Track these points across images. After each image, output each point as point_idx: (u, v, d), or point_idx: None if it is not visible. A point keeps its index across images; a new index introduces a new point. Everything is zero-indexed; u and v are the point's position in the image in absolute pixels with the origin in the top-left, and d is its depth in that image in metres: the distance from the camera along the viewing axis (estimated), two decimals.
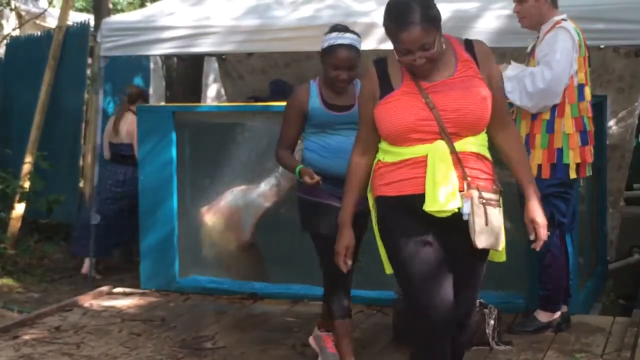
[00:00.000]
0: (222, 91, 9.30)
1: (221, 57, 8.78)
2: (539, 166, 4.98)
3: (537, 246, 3.42)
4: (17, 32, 10.46)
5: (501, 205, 3.34)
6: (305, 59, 8.62)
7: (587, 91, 5.05)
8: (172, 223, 6.43)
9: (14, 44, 9.64)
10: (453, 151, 3.22)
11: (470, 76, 3.27)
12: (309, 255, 6.27)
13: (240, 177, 6.50)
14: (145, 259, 6.52)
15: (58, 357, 4.91)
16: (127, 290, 6.49)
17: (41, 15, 10.73)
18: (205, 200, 6.51)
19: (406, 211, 3.28)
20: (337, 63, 4.36)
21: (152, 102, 9.28)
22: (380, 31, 5.92)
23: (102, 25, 6.73)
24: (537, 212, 3.37)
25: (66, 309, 5.94)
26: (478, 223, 3.22)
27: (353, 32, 4.49)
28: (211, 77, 9.88)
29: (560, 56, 4.89)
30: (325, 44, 4.42)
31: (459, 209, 3.21)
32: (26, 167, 7.98)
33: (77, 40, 8.30)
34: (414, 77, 3.27)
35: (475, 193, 3.22)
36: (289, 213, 6.38)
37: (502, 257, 3.48)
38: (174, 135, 6.39)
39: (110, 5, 9.59)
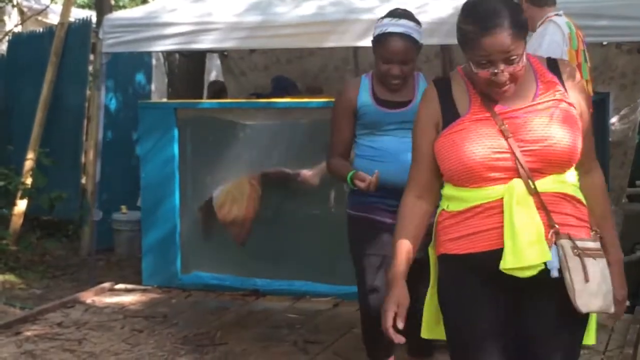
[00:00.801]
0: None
1: (223, 54, 8.78)
2: None
3: (609, 323, 2.81)
4: (19, 29, 10.46)
5: (603, 255, 2.64)
6: (308, 56, 8.62)
7: None
8: (174, 220, 6.43)
9: (16, 41, 9.64)
10: (534, 192, 2.56)
11: (556, 100, 2.64)
12: (311, 252, 6.29)
13: (242, 173, 6.48)
14: (147, 255, 6.52)
15: (60, 354, 4.91)
16: (129, 286, 6.49)
17: (43, 11, 10.72)
18: (207, 197, 6.51)
19: (477, 275, 2.62)
20: (387, 55, 3.71)
21: (154, 98, 9.28)
22: None
23: (104, 22, 6.72)
24: (618, 286, 2.75)
25: (68, 306, 5.94)
26: (576, 280, 2.51)
27: (412, 18, 3.78)
28: (213, 74, 9.88)
29: (547, 48, 4.89)
30: (376, 32, 3.81)
31: (546, 263, 2.53)
32: (28, 164, 7.98)
33: (79, 37, 8.30)
34: (485, 101, 2.65)
35: (566, 242, 2.54)
36: (292, 208, 6.38)
37: (591, 339, 2.77)
38: (176, 132, 6.39)
39: (112, 2, 9.58)
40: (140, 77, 9.15)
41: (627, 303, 2.76)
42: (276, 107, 6.47)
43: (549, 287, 2.55)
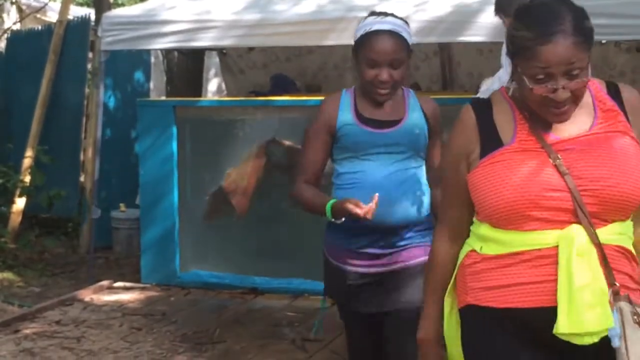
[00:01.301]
0: (223, 86, 9.30)
1: (222, 52, 8.77)
2: None
3: None
4: (17, 26, 10.45)
5: None
6: (307, 54, 8.63)
7: None
8: (173, 217, 6.43)
9: (15, 38, 9.62)
10: (596, 242, 2.14)
11: (617, 132, 2.22)
12: (310, 250, 6.29)
13: None
14: (146, 253, 6.52)
15: (58, 351, 4.91)
16: (128, 284, 6.49)
17: (42, 9, 10.70)
18: (206, 195, 6.51)
19: (516, 334, 2.20)
20: (374, 57, 3.10)
21: (153, 96, 9.27)
22: None
23: (103, 20, 6.72)
24: None
25: (67, 303, 5.94)
26: (633, 352, 2.08)
27: (399, 18, 3.23)
28: (212, 72, 9.87)
29: None
30: (358, 34, 3.20)
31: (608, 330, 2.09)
32: (27, 162, 7.97)
33: (77, 35, 8.29)
34: (534, 128, 2.23)
35: (626, 306, 2.12)
36: (289, 207, 6.39)
37: None
38: (174, 130, 6.39)
39: (111, 0, 9.58)
40: (139, 75, 9.14)
41: None
42: (275, 105, 6.47)
43: (593, 354, 2.13)
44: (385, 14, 3.19)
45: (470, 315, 2.27)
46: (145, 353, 4.86)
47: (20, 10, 11.08)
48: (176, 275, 6.42)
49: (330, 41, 6.20)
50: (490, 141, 2.24)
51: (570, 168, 2.15)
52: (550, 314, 2.10)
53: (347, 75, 8.59)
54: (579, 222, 2.13)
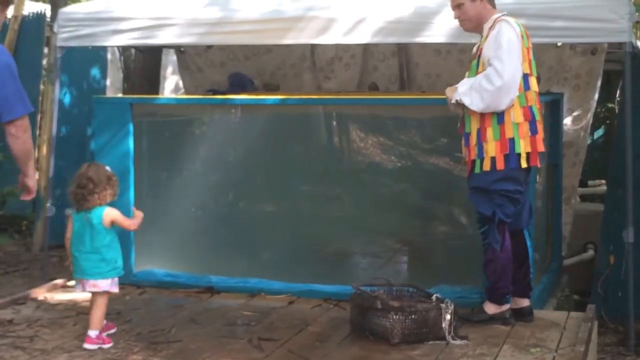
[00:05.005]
0: (181, 84, 9.26)
1: (180, 50, 8.73)
2: (492, 159, 5.03)
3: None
4: None
5: None
6: (265, 53, 8.62)
7: (533, 81, 5.11)
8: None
9: None
10: None
11: None
12: (266, 249, 6.29)
13: (198, 170, 6.46)
14: None
15: (11, 351, 4.84)
16: None
17: None
18: (162, 192, 6.47)
19: None
20: None
21: (109, 93, 9.21)
22: (342, 25, 5.97)
23: (59, 15, 6.65)
24: None
25: (20, 302, 5.86)
26: None
27: None
28: (169, 70, 9.83)
29: (507, 48, 4.97)
30: None
31: None
32: None
33: (33, 30, 8.23)
34: None
35: None
36: (247, 205, 6.38)
37: None
38: (131, 127, 6.33)
39: None
40: (95, 72, 9.08)
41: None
42: (233, 104, 6.45)
43: None
44: None
45: None
46: (100, 352, 4.82)
47: None
48: (131, 274, 6.36)
49: (289, 40, 6.21)
50: None
51: None
52: None
53: (305, 74, 8.60)
54: None
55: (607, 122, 9.79)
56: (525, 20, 5.52)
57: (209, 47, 8.43)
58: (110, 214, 4.95)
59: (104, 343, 4.86)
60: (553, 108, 6.61)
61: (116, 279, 4.93)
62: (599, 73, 7.64)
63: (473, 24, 5.20)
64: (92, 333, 4.87)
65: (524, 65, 5.04)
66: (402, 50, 8.28)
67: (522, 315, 5.29)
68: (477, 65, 5.13)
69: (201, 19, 6.31)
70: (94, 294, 4.93)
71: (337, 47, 8.29)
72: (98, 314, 4.91)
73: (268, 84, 8.46)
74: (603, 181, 8.98)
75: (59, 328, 5.29)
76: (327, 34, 6.04)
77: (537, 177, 5.65)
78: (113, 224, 4.95)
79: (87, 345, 4.83)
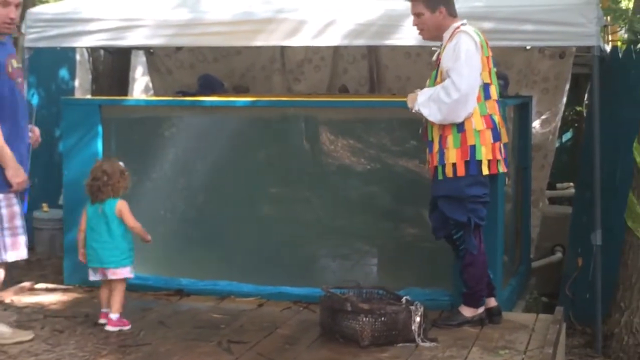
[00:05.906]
0: (150, 85, 9.22)
1: (149, 51, 8.70)
2: (454, 165, 5.06)
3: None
4: None
5: None
6: (235, 54, 8.61)
7: (493, 90, 5.14)
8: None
9: None
10: None
11: None
12: (236, 252, 6.27)
13: (167, 172, 6.44)
14: (68, 254, 6.40)
15: None
16: (50, 286, 6.37)
17: None
18: (131, 195, 6.43)
19: None
20: None
21: (78, 95, 9.14)
22: (311, 27, 5.98)
23: (27, 16, 6.60)
24: None
25: None
26: None
27: None
28: (139, 71, 9.78)
29: (465, 60, 4.98)
30: None
31: None
32: None
33: None
34: None
35: None
36: (216, 208, 6.36)
37: None
38: (100, 129, 6.29)
39: None
40: (63, 73, 9.01)
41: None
42: (202, 106, 6.43)
43: None
44: None
45: None
46: (67, 356, 4.78)
47: None
48: None
49: (259, 42, 6.21)
50: None
51: None
52: None
53: (275, 76, 8.59)
54: None
55: (576, 125, 9.86)
56: (495, 24, 5.56)
57: (179, 48, 8.40)
58: (121, 206, 5.20)
59: (124, 325, 5.20)
60: (522, 111, 6.65)
61: (132, 266, 5.27)
62: (567, 76, 7.70)
63: (432, 34, 5.22)
64: (114, 316, 5.21)
65: (484, 75, 5.07)
66: (372, 53, 8.30)
67: (491, 315, 5.32)
68: (436, 75, 5.16)
69: (171, 21, 6.28)
70: (112, 281, 5.25)
71: (307, 49, 8.29)
72: (118, 299, 5.23)
73: (238, 86, 8.44)
74: (571, 184, 9.05)
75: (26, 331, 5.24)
76: (297, 36, 6.04)
77: (506, 179, 5.68)
78: (120, 216, 5.19)
79: (109, 328, 5.18)
